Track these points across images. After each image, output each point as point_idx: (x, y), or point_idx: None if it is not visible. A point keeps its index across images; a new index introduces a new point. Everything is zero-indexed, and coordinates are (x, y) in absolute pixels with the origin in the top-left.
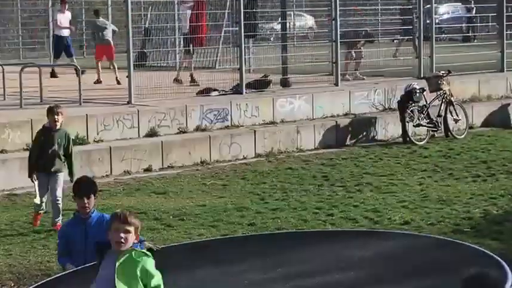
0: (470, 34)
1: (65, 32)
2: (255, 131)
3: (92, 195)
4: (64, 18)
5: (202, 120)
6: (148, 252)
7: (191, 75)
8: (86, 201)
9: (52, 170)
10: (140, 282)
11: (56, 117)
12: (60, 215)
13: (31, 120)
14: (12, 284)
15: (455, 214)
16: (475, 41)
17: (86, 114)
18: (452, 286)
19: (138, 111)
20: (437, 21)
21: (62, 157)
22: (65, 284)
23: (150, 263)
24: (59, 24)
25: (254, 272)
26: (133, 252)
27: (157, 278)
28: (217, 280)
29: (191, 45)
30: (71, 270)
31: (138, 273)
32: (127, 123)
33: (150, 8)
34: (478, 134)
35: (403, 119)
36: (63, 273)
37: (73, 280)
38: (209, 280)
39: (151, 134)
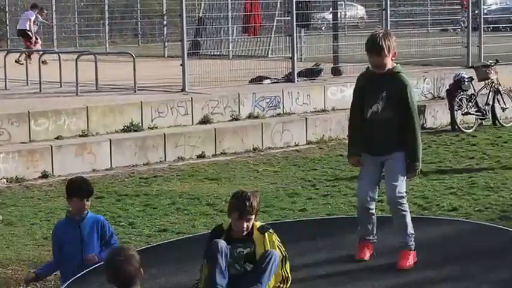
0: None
1: None
2: (306, 119)
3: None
4: None
5: (254, 108)
6: None
7: None
8: (86, 202)
9: None
10: None
11: None
12: None
13: (86, 107)
14: None
15: (502, 201)
16: None
17: (141, 102)
18: (501, 270)
19: (191, 98)
20: (485, 11)
21: None
22: None
23: None
24: None
25: (305, 254)
26: None
27: None
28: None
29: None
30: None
31: None
32: (181, 111)
33: None
34: None
35: (451, 107)
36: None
37: None
38: None
39: (205, 121)
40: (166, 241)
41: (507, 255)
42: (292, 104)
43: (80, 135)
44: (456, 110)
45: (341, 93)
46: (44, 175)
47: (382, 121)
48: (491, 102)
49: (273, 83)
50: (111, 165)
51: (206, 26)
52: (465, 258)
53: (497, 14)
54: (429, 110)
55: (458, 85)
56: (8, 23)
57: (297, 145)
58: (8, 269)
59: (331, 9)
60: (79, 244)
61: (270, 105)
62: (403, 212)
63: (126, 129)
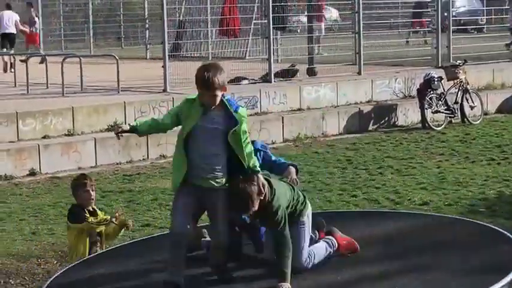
0: (483, 26)
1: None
2: (282, 117)
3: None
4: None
5: None
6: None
7: None
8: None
9: None
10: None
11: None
12: None
13: (72, 107)
14: (55, 262)
15: (471, 195)
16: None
17: (124, 102)
18: (470, 261)
19: (173, 98)
20: (454, 13)
21: None
22: (101, 261)
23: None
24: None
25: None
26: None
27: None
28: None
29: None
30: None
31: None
32: (162, 110)
33: (184, 1)
34: (493, 120)
35: (422, 106)
36: (99, 252)
37: (107, 258)
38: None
39: None
40: (150, 236)
41: (475, 247)
42: (269, 104)
43: (66, 135)
44: (426, 109)
45: (316, 93)
46: (32, 173)
47: None
48: (460, 101)
49: (251, 83)
50: (96, 163)
51: (186, 29)
52: (436, 249)
53: (466, 16)
54: (400, 108)
55: (428, 84)
56: None
57: (274, 143)
58: None
59: (306, 12)
60: None
61: (248, 104)
62: None
63: (110, 129)
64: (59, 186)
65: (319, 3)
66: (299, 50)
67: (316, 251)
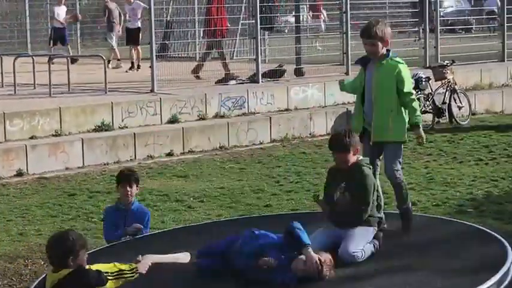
0: (472, 26)
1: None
2: (270, 118)
3: (134, 184)
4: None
5: (220, 108)
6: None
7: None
8: (128, 189)
9: None
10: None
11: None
12: None
13: (59, 108)
14: (42, 262)
15: (459, 196)
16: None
17: (111, 102)
18: (458, 261)
19: (160, 99)
20: (441, 14)
21: None
22: (88, 261)
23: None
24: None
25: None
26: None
27: (408, 85)
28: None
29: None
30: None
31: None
32: (150, 111)
33: (172, 2)
34: (480, 120)
35: None
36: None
37: (95, 259)
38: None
39: (173, 120)
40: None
41: (463, 247)
42: (257, 104)
43: (53, 135)
44: None
45: (303, 93)
46: (19, 173)
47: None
48: (447, 101)
49: (239, 83)
50: (83, 164)
51: (174, 30)
52: (424, 250)
53: (453, 16)
54: None
55: (416, 85)
56: None
57: (261, 143)
58: None
59: (293, 12)
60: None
61: (236, 105)
62: None
63: (98, 129)
64: (46, 186)
65: (317, 2)
66: (287, 50)
67: (366, 250)
